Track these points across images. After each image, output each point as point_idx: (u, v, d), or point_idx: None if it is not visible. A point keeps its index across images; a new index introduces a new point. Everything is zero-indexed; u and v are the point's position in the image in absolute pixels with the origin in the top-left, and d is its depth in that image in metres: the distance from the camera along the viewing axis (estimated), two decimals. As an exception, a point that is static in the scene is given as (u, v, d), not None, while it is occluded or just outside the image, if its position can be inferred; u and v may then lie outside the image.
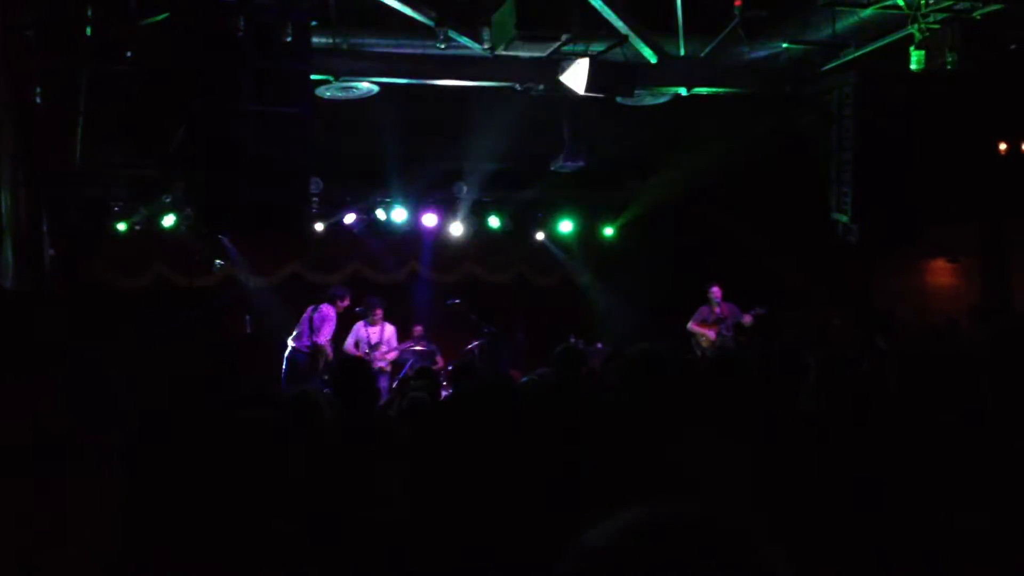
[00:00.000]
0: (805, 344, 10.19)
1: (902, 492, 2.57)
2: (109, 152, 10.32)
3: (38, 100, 6.23)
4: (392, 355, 11.51)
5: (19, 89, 5.82)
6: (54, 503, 1.04)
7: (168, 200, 11.73)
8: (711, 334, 12.10)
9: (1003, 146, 10.92)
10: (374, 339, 11.48)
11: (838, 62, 9.63)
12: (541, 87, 9.45)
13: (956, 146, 9.33)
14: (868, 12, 8.55)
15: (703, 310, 12.29)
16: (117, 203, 12.06)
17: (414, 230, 13.56)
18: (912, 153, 9.22)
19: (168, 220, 12.12)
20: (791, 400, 4.10)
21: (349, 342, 11.54)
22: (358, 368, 4.94)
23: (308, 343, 10.99)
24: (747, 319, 12.07)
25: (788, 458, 2.98)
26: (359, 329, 11.57)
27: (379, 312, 11.56)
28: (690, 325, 12.29)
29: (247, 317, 12.25)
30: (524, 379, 5.23)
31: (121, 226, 12.21)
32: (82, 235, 11.66)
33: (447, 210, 13.52)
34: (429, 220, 13.41)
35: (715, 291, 12.21)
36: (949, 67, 8.11)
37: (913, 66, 8.27)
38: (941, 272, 14.37)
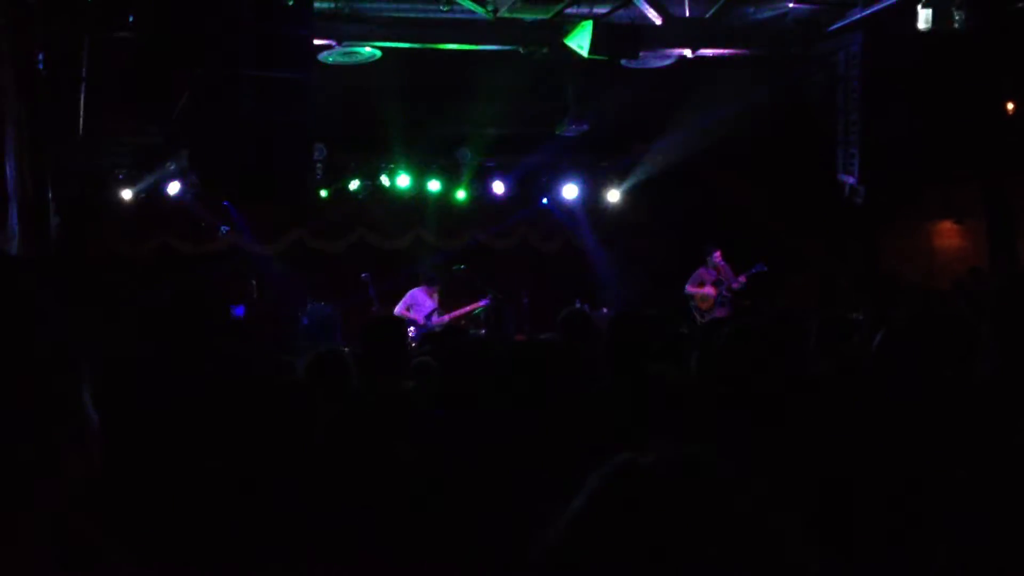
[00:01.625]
0: (810, 307, 10.22)
1: (904, 451, 2.59)
2: (113, 119, 10.30)
3: (41, 67, 6.21)
4: (446, 319, 11.65)
5: (22, 56, 5.80)
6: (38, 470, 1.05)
7: (172, 167, 11.71)
8: (711, 292, 12.05)
9: (1010, 106, 10.85)
10: (431, 306, 11.55)
11: (845, 22, 9.54)
12: (545, 50, 9.39)
13: (963, 106, 9.27)
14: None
15: (701, 273, 12.22)
16: (121, 170, 12.05)
17: (418, 196, 13.53)
18: (919, 113, 9.17)
19: (172, 187, 12.11)
20: (792, 364, 4.10)
21: (400, 307, 11.56)
22: (392, 328, 4.83)
23: None
24: (736, 284, 12.01)
25: (787, 422, 2.99)
26: (417, 295, 11.58)
27: (439, 287, 11.71)
28: (688, 288, 12.22)
29: (252, 282, 12.27)
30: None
31: (126, 193, 12.20)
32: (87, 203, 11.67)
33: (451, 175, 13.48)
34: (433, 186, 13.39)
35: (717, 256, 12.14)
36: (956, 26, 8.05)
37: (920, 25, 8.20)
38: (947, 233, 14.33)
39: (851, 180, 9.66)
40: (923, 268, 13.85)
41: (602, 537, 0.96)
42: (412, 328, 11.17)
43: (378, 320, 5.93)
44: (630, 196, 14.39)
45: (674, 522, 0.95)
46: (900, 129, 9.24)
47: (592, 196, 14.41)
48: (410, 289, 11.70)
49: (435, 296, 11.61)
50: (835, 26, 9.67)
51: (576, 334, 4.89)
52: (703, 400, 3.34)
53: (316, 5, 8.14)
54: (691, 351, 4.44)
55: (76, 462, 0.99)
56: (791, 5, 9.53)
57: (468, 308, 11.96)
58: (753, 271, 11.97)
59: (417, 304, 11.52)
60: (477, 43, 9.49)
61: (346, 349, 5.01)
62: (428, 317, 11.41)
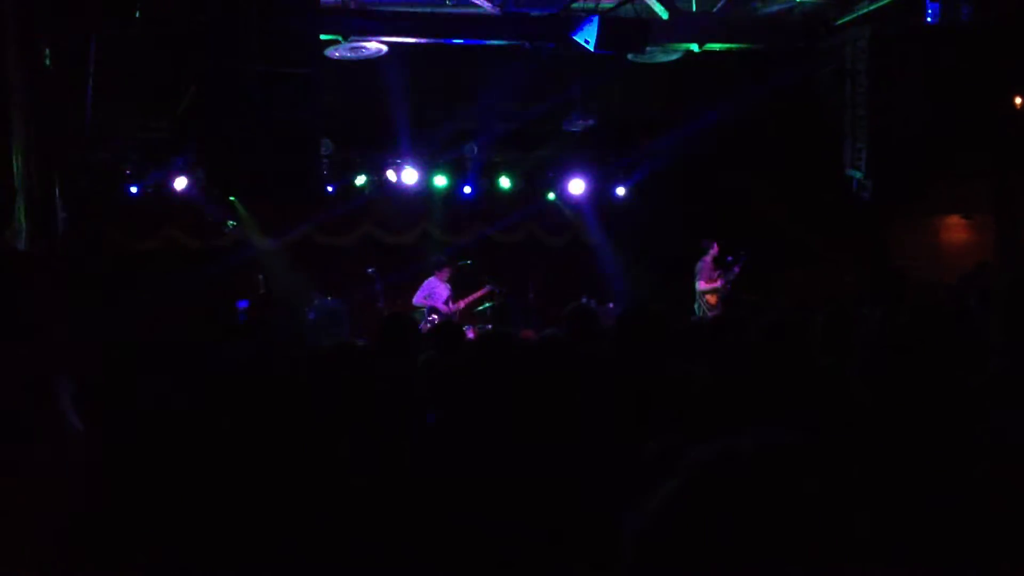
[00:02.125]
0: (816, 302, 10.18)
1: (913, 448, 2.58)
2: (120, 115, 10.31)
3: (48, 63, 6.21)
4: (462, 305, 11.82)
5: (29, 52, 5.81)
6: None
7: (179, 162, 11.72)
8: (721, 284, 12.08)
9: (1018, 100, 10.80)
10: (447, 293, 11.73)
11: (852, 16, 9.52)
12: (552, 45, 9.37)
13: (971, 100, 9.23)
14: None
15: (707, 267, 12.18)
16: (128, 166, 12.06)
17: (425, 191, 13.53)
18: (927, 108, 9.13)
19: (180, 182, 12.11)
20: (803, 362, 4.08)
21: (419, 295, 11.68)
22: (407, 324, 4.91)
23: None
24: (733, 276, 12.06)
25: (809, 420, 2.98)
26: (432, 283, 11.71)
27: (449, 270, 11.89)
28: (702, 284, 12.16)
29: (260, 277, 12.28)
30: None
31: (133, 189, 12.21)
32: (94, 198, 11.67)
33: (458, 170, 13.48)
34: (440, 181, 13.39)
35: (716, 249, 12.15)
36: (964, 20, 8.01)
37: (928, 19, 8.17)
38: (955, 228, 14.27)
39: (859, 175, 9.63)
40: (931, 263, 13.79)
41: (702, 521, 0.96)
42: (435, 315, 11.29)
43: (393, 317, 5.95)
44: (637, 191, 14.36)
45: (777, 507, 0.95)
46: (908, 123, 9.20)
47: (599, 191, 14.39)
48: (420, 281, 11.79)
49: (448, 282, 11.74)
50: (843, 20, 9.64)
51: (581, 330, 4.88)
52: (718, 397, 3.33)
53: (322, 0, 8.13)
54: (700, 347, 4.41)
55: (54, 467, 0.98)
56: (798, -1, 9.51)
57: (479, 294, 12.05)
58: (742, 261, 12.01)
59: (434, 292, 11.67)
60: (484, 38, 9.48)
61: (360, 342, 5.04)
62: (447, 303, 11.56)
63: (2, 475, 0.99)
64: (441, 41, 9.45)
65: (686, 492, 0.99)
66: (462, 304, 11.85)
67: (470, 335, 10.21)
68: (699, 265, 12.20)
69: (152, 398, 2.18)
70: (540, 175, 14.04)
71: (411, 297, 11.97)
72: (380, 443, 2.55)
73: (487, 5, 8.97)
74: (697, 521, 0.96)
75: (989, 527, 1.85)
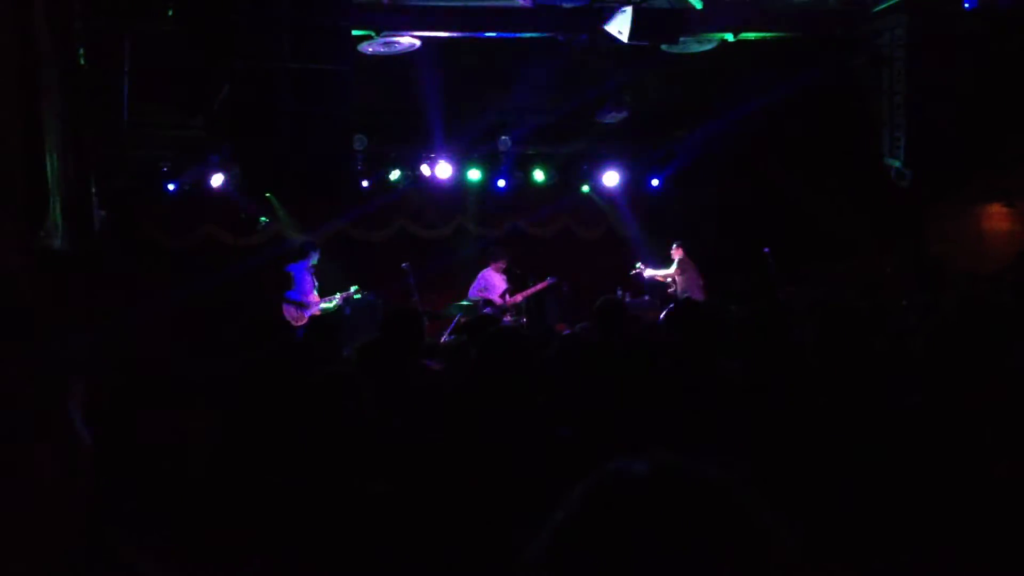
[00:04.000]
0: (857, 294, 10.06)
1: (941, 442, 2.53)
2: (155, 113, 10.40)
3: (82, 62, 6.26)
4: (519, 298, 11.78)
5: (63, 51, 5.86)
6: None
7: (215, 159, 11.81)
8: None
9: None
10: (504, 285, 11.69)
11: (890, 3, 9.36)
12: (584, 37, 9.32)
13: (1011, 87, 9.07)
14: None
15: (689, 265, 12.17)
16: (165, 163, 12.18)
17: (459, 185, 13.53)
18: (966, 95, 8.98)
19: (216, 179, 12.20)
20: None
21: (474, 288, 11.68)
22: (412, 319, 4.91)
23: None
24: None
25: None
26: (488, 275, 11.70)
27: (504, 261, 11.85)
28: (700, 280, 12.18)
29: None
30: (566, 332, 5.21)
31: (170, 186, 12.33)
32: (131, 196, 11.80)
33: (492, 164, 13.46)
34: (474, 174, 13.39)
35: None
36: (1003, 6, 7.88)
37: (966, 5, 8.04)
38: (997, 217, 14.02)
39: (897, 163, 9.50)
40: (972, 252, 13.57)
41: (588, 546, 0.94)
42: (488, 308, 11.28)
43: (397, 311, 5.94)
44: (671, 182, 14.27)
45: (663, 533, 0.92)
46: (947, 111, 9.05)
47: (633, 183, 14.31)
48: (456, 274, 11.78)
49: (504, 274, 11.70)
50: (880, 7, 9.49)
51: (611, 323, 4.86)
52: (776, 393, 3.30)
53: (354, -4, 8.15)
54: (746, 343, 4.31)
55: (59, 476, 0.98)
56: (835, -14, 9.38)
57: (540, 286, 12.00)
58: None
59: (491, 285, 11.64)
60: (516, 31, 9.45)
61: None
62: (503, 296, 11.52)
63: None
64: (473, 34, 9.44)
65: (575, 516, 0.97)
66: (519, 297, 11.79)
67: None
68: (681, 265, 12.11)
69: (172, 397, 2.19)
70: (574, 168, 13.99)
71: (447, 291, 11.98)
72: (397, 447, 2.55)
73: (519, -3, 8.94)
74: (584, 546, 0.94)
75: (1000, 525, 1.81)
